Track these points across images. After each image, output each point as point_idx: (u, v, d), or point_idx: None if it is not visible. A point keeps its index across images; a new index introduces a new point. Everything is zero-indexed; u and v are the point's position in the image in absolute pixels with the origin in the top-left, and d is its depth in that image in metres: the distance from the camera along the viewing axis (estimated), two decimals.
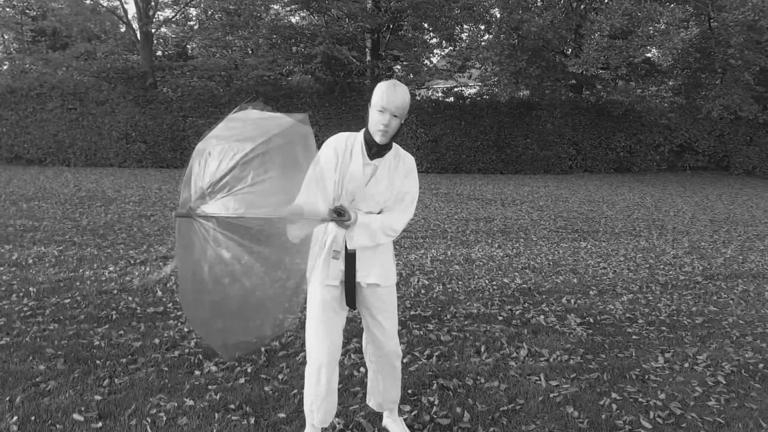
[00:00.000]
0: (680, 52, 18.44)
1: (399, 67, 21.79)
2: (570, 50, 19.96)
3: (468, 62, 21.01)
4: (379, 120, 2.37)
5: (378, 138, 2.41)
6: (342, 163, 2.45)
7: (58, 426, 2.84)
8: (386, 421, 2.90)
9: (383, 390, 2.79)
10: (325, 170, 2.38)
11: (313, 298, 2.55)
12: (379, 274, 2.56)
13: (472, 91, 22.23)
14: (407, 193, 2.55)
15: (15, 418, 2.88)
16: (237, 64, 19.81)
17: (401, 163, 2.55)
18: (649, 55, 20.63)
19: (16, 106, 17.53)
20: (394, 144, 2.53)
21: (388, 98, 2.35)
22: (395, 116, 2.37)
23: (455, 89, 21.19)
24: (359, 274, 2.53)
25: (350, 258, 2.49)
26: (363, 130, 2.50)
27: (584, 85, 20.70)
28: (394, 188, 2.51)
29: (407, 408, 3.14)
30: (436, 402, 3.22)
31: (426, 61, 21.68)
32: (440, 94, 21.59)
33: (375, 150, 2.47)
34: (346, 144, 2.47)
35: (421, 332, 4.29)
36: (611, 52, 16.89)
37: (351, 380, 3.44)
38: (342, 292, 2.56)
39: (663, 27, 18.71)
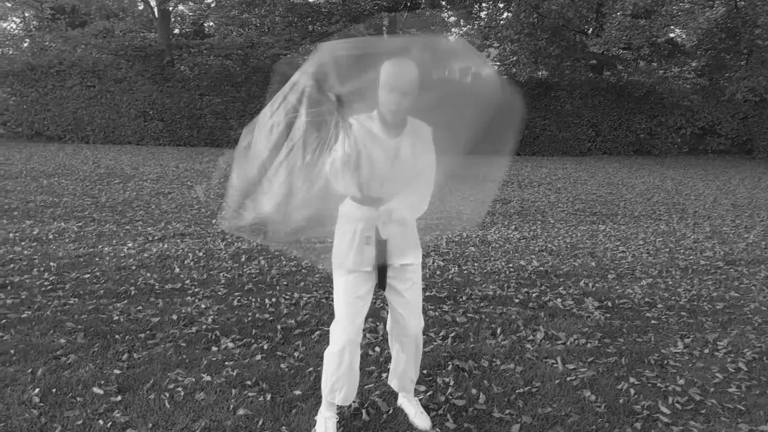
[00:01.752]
0: (705, 32, 18.05)
1: None
2: (591, 29, 19.59)
3: (486, 41, 20.72)
4: (389, 100, 2.30)
5: (390, 117, 2.36)
6: (365, 145, 2.39)
7: (78, 398, 2.89)
8: (401, 401, 2.90)
9: (405, 370, 2.79)
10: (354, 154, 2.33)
11: (341, 284, 2.54)
12: (411, 253, 2.58)
13: None
14: (428, 165, 2.51)
15: (37, 390, 2.93)
16: (253, 43, 19.72)
17: (419, 135, 2.48)
18: (672, 35, 20.20)
19: (36, 83, 17.67)
20: (408, 118, 2.46)
21: (395, 78, 2.27)
22: (406, 94, 2.29)
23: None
24: (393, 255, 2.52)
25: (382, 241, 2.48)
26: (375, 110, 2.43)
27: (605, 66, 20.35)
28: (419, 163, 2.47)
29: (422, 388, 3.14)
30: (452, 383, 3.22)
31: (443, 40, 21.43)
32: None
33: (392, 128, 2.41)
34: (364, 127, 2.41)
35: (437, 313, 4.28)
36: (634, 31, 16.54)
37: (365, 360, 3.45)
38: (373, 276, 2.55)
39: (687, 6, 18.30)
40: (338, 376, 2.59)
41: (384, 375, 3.26)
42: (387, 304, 2.77)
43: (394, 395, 3.00)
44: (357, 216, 2.48)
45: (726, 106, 19.96)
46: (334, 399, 2.64)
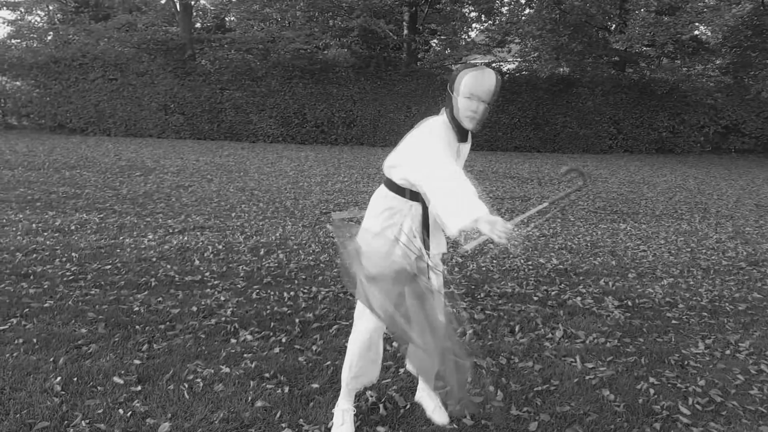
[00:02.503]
0: (731, 29, 17.72)
1: (436, 41, 21.48)
2: (614, 26, 19.37)
3: (507, 37, 20.58)
4: (467, 107, 2.35)
5: (467, 124, 2.41)
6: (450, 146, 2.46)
7: (99, 388, 2.92)
8: (420, 395, 2.90)
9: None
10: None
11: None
12: (444, 241, 2.63)
13: (511, 66, 21.82)
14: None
15: (59, 378, 2.97)
16: (274, 37, 19.80)
17: (469, 141, 2.62)
18: (697, 32, 19.89)
19: (60, 75, 17.92)
20: None
21: (477, 85, 2.31)
22: (483, 102, 2.34)
23: (493, 64, 20.79)
24: (433, 245, 2.55)
25: (426, 234, 2.52)
26: (444, 114, 2.48)
27: (627, 62, 20.09)
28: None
29: (440, 384, 3.13)
30: (469, 379, 3.20)
31: (464, 36, 21.33)
32: None
33: (461, 134, 2.48)
34: (447, 129, 2.46)
35: (454, 309, 4.27)
36: (658, 28, 16.32)
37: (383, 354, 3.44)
38: None
39: (713, 2, 17.99)
40: (366, 361, 2.63)
41: (402, 370, 3.25)
42: None
43: (411, 391, 3.00)
44: (404, 210, 2.50)
45: (750, 104, 19.60)
46: (357, 384, 2.67)
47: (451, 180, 2.11)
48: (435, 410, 2.78)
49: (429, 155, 2.23)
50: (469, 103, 2.34)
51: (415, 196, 2.49)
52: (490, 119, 18.87)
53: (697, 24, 17.99)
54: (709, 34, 21.04)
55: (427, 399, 2.85)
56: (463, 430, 2.72)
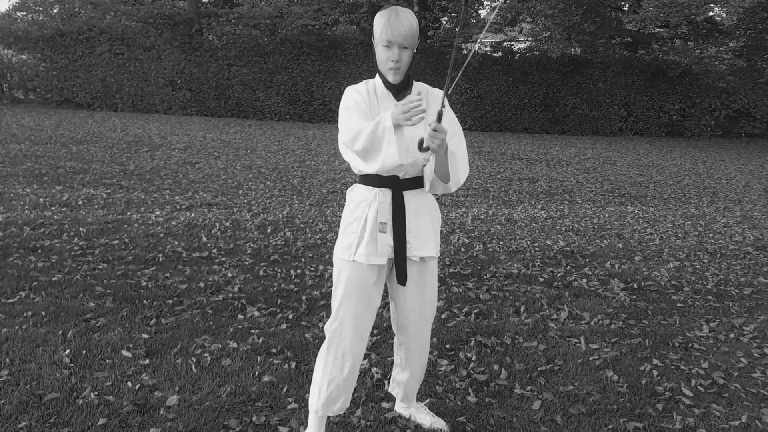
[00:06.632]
0: (746, 11, 17.45)
1: (446, 18, 21.24)
2: (627, 6, 19.08)
3: (519, 16, 20.32)
4: (387, 57, 2.02)
5: (390, 77, 2.07)
6: (371, 110, 2.11)
7: (107, 361, 2.96)
8: (410, 412, 2.59)
9: (410, 380, 2.50)
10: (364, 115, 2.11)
11: (350, 279, 2.17)
12: (433, 244, 2.22)
13: (522, 46, 21.57)
14: (455, 131, 2.16)
15: (67, 351, 3.01)
16: (282, 13, 19.62)
17: (432, 100, 2.18)
18: (711, 13, 19.56)
19: (66, 49, 17.83)
20: (412, 80, 2.19)
21: (392, 29, 1.96)
22: (405, 48, 2.01)
23: (504, 44, 20.58)
24: (412, 246, 2.17)
25: (399, 229, 2.13)
26: (377, 74, 2.17)
27: (639, 44, 19.82)
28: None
29: (445, 362, 3.16)
30: (474, 358, 3.23)
31: (474, 14, 21.07)
32: (488, 49, 21.02)
33: (395, 90, 2.12)
34: (367, 90, 2.14)
35: (460, 289, 4.28)
36: (672, 9, 16.08)
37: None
38: (387, 270, 2.23)
39: None
40: (337, 384, 2.25)
41: None
42: (389, 304, 2.50)
43: None
44: (369, 199, 2.14)
45: (763, 88, 19.34)
46: (330, 410, 2.31)
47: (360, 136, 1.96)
48: (435, 422, 2.55)
49: (342, 127, 2.06)
50: (388, 52, 2.02)
51: (382, 181, 2.12)
52: (499, 99, 18.71)
53: (711, 5, 17.69)
54: (724, 15, 20.74)
55: (418, 413, 2.58)
56: (467, 407, 2.75)
